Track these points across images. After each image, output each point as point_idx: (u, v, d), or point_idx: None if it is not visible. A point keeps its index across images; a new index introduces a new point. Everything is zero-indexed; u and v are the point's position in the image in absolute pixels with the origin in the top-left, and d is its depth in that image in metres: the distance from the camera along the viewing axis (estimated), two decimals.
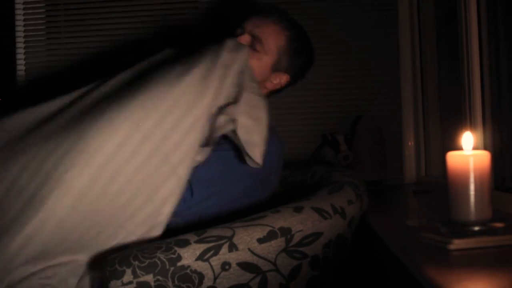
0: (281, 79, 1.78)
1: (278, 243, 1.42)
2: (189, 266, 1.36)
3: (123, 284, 1.33)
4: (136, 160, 1.43)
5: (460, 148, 1.13)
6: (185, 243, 1.38)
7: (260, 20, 1.73)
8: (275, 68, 1.75)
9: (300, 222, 1.46)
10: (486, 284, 0.92)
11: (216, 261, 1.38)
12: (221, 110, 1.53)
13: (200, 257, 1.37)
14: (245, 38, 1.70)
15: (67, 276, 1.42)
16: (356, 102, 2.60)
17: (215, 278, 1.38)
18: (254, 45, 1.70)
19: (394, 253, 1.24)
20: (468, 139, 1.13)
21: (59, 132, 1.47)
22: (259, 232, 1.42)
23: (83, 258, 1.45)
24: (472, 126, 1.74)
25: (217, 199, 1.60)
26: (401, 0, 2.58)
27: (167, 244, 1.39)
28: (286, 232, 1.44)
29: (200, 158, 1.53)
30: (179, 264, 1.36)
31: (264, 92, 1.75)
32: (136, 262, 1.34)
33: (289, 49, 1.74)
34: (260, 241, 1.41)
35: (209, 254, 1.37)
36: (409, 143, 2.59)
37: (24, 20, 2.71)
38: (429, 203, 1.94)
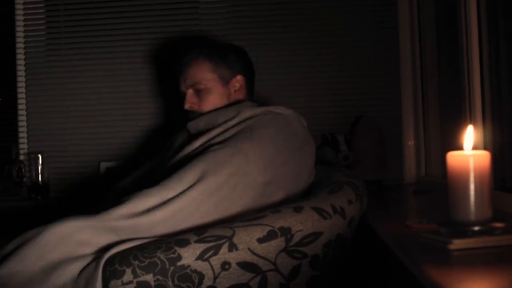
0: (237, 81, 1.94)
1: (278, 243, 1.42)
2: (189, 266, 1.36)
3: (123, 284, 1.33)
4: None
5: (460, 147, 1.13)
6: (185, 243, 1.38)
7: (185, 72, 1.93)
8: (225, 81, 1.92)
9: (300, 222, 1.46)
10: (486, 284, 0.92)
11: (216, 261, 1.38)
12: None
13: (200, 257, 1.37)
14: (189, 95, 1.91)
15: None
16: (356, 102, 2.60)
17: (215, 278, 1.38)
18: (198, 91, 1.91)
19: (394, 253, 1.24)
20: (470, 133, 1.13)
21: None
22: (259, 232, 1.42)
23: None
24: (471, 126, 1.74)
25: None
26: (401, 0, 2.58)
27: (167, 243, 1.39)
28: (286, 232, 1.44)
29: None
30: (179, 263, 1.36)
31: (242, 97, 1.95)
32: (136, 262, 1.34)
33: (217, 60, 1.92)
34: (260, 240, 1.41)
35: (209, 254, 1.37)
36: (409, 143, 2.59)
37: (24, 20, 2.71)
38: (429, 203, 1.94)
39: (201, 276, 1.37)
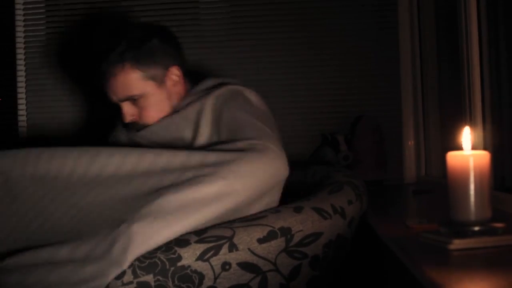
0: (172, 74, 1.74)
1: (278, 243, 1.42)
2: (189, 266, 1.36)
3: (123, 284, 1.33)
4: None
5: (460, 147, 1.13)
6: (185, 243, 1.38)
7: (111, 83, 1.71)
8: (160, 81, 1.72)
9: (300, 222, 1.46)
10: (486, 284, 0.92)
11: (216, 261, 1.38)
12: None
13: (200, 257, 1.37)
14: (127, 108, 1.72)
15: None
16: (356, 102, 2.60)
17: (215, 278, 1.38)
18: (134, 100, 1.72)
19: (394, 253, 1.24)
20: (467, 134, 1.13)
21: None
22: (259, 232, 1.42)
23: None
24: (472, 126, 1.74)
25: None
26: (401, 0, 2.58)
27: (167, 244, 1.39)
28: (286, 232, 1.44)
29: None
30: (179, 264, 1.36)
31: (182, 89, 1.77)
32: (136, 262, 1.34)
33: (144, 61, 1.69)
34: (260, 241, 1.41)
35: (209, 254, 1.37)
36: (409, 143, 2.59)
37: (24, 20, 2.71)
38: (429, 203, 1.94)
39: (201, 276, 1.37)
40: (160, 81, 1.72)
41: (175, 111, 1.73)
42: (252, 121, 1.59)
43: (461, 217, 1.10)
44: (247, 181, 1.43)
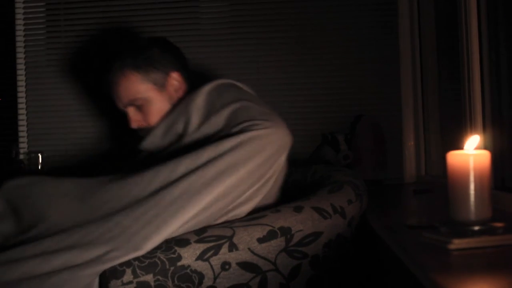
0: (174, 79, 1.80)
1: (278, 243, 1.42)
2: (189, 266, 1.36)
3: (123, 284, 1.33)
4: None
5: (460, 147, 1.13)
6: (185, 243, 1.38)
7: (115, 90, 1.80)
8: (161, 85, 1.77)
9: (300, 221, 1.46)
10: (486, 284, 0.92)
11: (216, 261, 1.38)
12: None
13: (200, 257, 1.37)
14: (132, 114, 1.79)
15: None
16: (356, 102, 2.60)
17: (215, 278, 1.38)
18: (138, 106, 1.78)
19: (394, 252, 1.24)
20: (475, 141, 1.13)
21: None
22: (259, 231, 1.42)
23: None
24: (472, 126, 1.74)
25: None
26: (401, 0, 2.58)
27: (167, 244, 1.39)
28: (286, 231, 1.44)
29: None
30: (179, 264, 1.36)
31: (183, 94, 1.80)
32: (136, 262, 1.34)
33: (144, 67, 1.76)
34: (260, 240, 1.41)
35: (209, 254, 1.37)
36: (409, 143, 2.59)
37: (24, 20, 2.71)
38: (429, 203, 1.94)
39: (201, 276, 1.37)
40: (161, 86, 1.78)
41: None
42: (247, 104, 1.63)
43: (461, 217, 1.10)
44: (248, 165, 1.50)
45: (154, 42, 1.84)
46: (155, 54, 1.79)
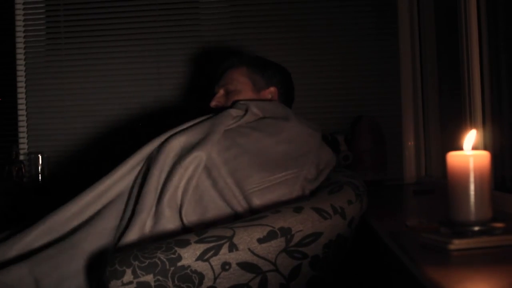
0: (270, 92, 1.89)
1: (278, 243, 1.42)
2: (189, 266, 1.36)
3: (123, 284, 1.33)
4: None
5: (460, 147, 1.13)
6: (185, 243, 1.38)
7: (221, 74, 1.93)
8: (257, 88, 1.88)
9: (300, 222, 1.46)
10: (486, 284, 0.92)
11: (216, 261, 1.38)
12: None
13: (200, 257, 1.37)
14: (219, 94, 1.90)
15: None
16: (356, 102, 2.60)
17: (215, 278, 1.38)
18: (228, 92, 1.88)
19: (394, 253, 1.24)
20: (472, 137, 1.13)
21: None
22: (259, 232, 1.42)
23: None
24: (472, 126, 1.74)
25: None
26: (401, 0, 2.58)
27: (167, 244, 1.39)
28: (286, 232, 1.44)
29: None
30: (179, 264, 1.36)
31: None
32: (136, 262, 1.34)
33: (254, 68, 1.90)
34: (260, 241, 1.41)
35: (209, 254, 1.37)
36: (409, 143, 2.59)
37: (24, 20, 2.71)
38: (429, 203, 1.94)
39: (201, 276, 1.37)
40: (257, 89, 1.88)
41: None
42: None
43: (461, 217, 1.10)
44: None
45: (275, 65, 1.98)
46: (269, 69, 1.92)
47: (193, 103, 2.65)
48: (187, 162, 1.56)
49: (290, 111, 1.81)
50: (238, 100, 1.79)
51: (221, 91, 1.89)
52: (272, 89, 1.89)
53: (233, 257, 1.39)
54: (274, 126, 1.70)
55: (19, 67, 2.71)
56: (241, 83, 1.86)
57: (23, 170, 2.61)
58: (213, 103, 1.88)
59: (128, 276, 1.33)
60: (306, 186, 1.63)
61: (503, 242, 1.09)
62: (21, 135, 2.70)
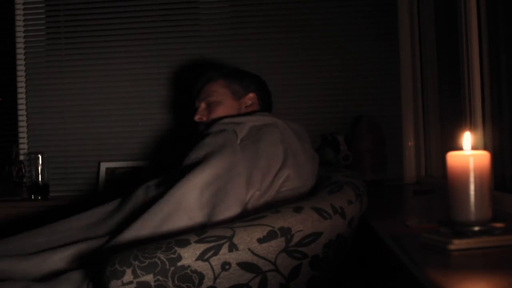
0: (250, 99, 1.96)
1: (278, 243, 1.42)
2: (189, 266, 1.36)
3: (123, 284, 1.33)
4: None
5: (460, 148, 1.13)
6: (185, 243, 1.38)
7: (200, 89, 2.00)
8: (237, 97, 1.95)
9: (300, 222, 1.46)
10: (485, 284, 0.92)
11: (216, 261, 1.38)
12: None
13: (200, 257, 1.37)
14: (201, 108, 1.97)
15: None
16: (356, 102, 2.60)
17: (215, 278, 1.38)
18: (209, 103, 1.95)
19: (394, 253, 1.24)
20: (468, 139, 1.13)
21: None
22: (259, 232, 1.42)
23: None
24: (472, 126, 1.74)
25: None
26: (401, 0, 2.58)
27: (167, 244, 1.39)
28: (286, 232, 1.44)
29: None
30: (179, 264, 1.36)
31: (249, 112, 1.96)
32: (136, 262, 1.34)
33: (232, 79, 1.98)
34: (260, 241, 1.41)
35: (209, 254, 1.37)
36: (409, 143, 2.59)
37: (24, 20, 2.71)
38: (429, 203, 1.94)
39: (201, 276, 1.37)
40: (237, 97, 1.95)
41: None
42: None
43: (461, 217, 1.10)
44: None
45: (249, 73, 2.05)
46: (245, 77, 2.00)
47: (193, 103, 2.66)
48: None
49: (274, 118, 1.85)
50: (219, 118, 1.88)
51: (203, 105, 1.96)
52: (251, 95, 1.96)
53: (233, 257, 1.39)
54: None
55: (19, 67, 2.71)
56: (221, 94, 1.94)
57: (23, 170, 2.61)
58: (197, 117, 1.95)
59: (128, 276, 1.33)
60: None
61: (503, 242, 1.09)
62: (21, 135, 2.70)
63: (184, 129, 2.59)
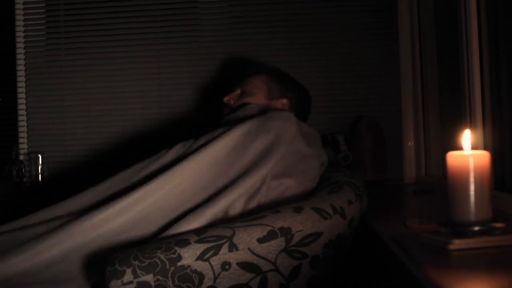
0: (282, 103, 1.98)
1: (278, 243, 1.43)
2: (189, 266, 1.36)
3: (123, 284, 1.33)
4: None
5: (460, 148, 1.13)
6: (185, 243, 1.38)
7: (248, 77, 2.05)
8: (271, 96, 1.97)
9: (300, 222, 1.46)
10: (486, 284, 0.92)
11: (216, 261, 1.38)
12: None
13: (200, 257, 1.37)
14: (235, 92, 2.01)
15: None
16: (356, 102, 2.60)
17: (215, 278, 1.38)
18: (244, 92, 2.00)
19: (394, 253, 1.24)
20: (467, 137, 1.13)
21: None
22: (259, 232, 1.42)
23: None
24: (472, 126, 1.74)
25: None
26: (401, 0, 2.58)
27: (167, 244, 1.39)
28: (286, 232, 1.44)
29: None
30: (179, 264, 1.36)
31: None
32: (136, 262, 1.34)
33: (273, 79, 2.01)
34: (260, 241, 1.41)
35: (209, 254, 1.37)
36: (409, 143, 2.59)
37: (24, 20, 2.71)
38: (429, 203, 1.94)
39: (201, 276, 1.37)
40: (270, 96, 1.98)
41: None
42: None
43: (461, 217, 1.10)
44: None
45: (298, 84, 2.07)
46: (287, 83, 2.03)
47: (193, 103, 2.65)
48: None
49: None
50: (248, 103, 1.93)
51: (238, 91, 2.01)
52: (284, 100, 1.98)
53: (233, 257, 1.39)
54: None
55: (19, 67, 2.71)
56: (257, 88, 1.98)
57: (23, 170, 2.61)
58: (225, 98, 2.00)
59: (128, 276, 1.33)
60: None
61: (503, 242, 1.09)
62: (21, 135, 2.70)
63: (184, 129, 2.59)
